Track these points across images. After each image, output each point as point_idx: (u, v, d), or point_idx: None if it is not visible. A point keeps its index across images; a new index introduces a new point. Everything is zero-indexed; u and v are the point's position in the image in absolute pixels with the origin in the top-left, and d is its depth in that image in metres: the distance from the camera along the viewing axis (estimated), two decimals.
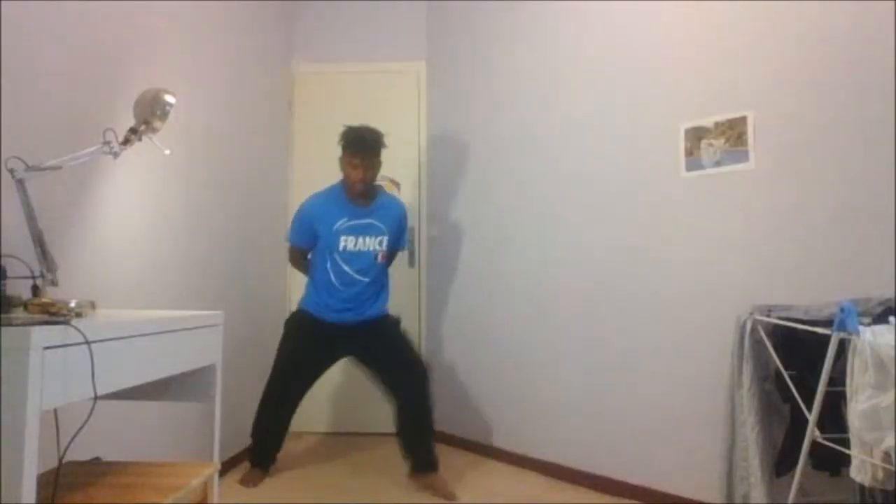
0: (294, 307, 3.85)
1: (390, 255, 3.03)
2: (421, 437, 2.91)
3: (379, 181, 3.83)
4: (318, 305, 2.93)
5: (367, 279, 2.92)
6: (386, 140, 2.91)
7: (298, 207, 3.00)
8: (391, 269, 3.11)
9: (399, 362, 2.91)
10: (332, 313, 2.90)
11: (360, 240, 2.90)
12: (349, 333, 2.91)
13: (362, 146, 2.82)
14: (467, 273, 3.60)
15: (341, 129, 2.89)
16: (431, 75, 3.92)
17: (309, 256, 3.04)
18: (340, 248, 2.88)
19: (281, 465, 3.13)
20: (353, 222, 2.89)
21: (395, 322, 3.05)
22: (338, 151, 3.68)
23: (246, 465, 2.99)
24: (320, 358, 2.97)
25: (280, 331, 3.89)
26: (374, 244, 2.92)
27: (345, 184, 2.92)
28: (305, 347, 2.92)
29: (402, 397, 2.89)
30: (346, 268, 2.89)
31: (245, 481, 2.87)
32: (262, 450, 2.98)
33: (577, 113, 3.03)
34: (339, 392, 3.80)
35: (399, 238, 3.08)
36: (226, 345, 1.82)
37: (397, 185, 3.89)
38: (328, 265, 2.89)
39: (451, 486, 2.82)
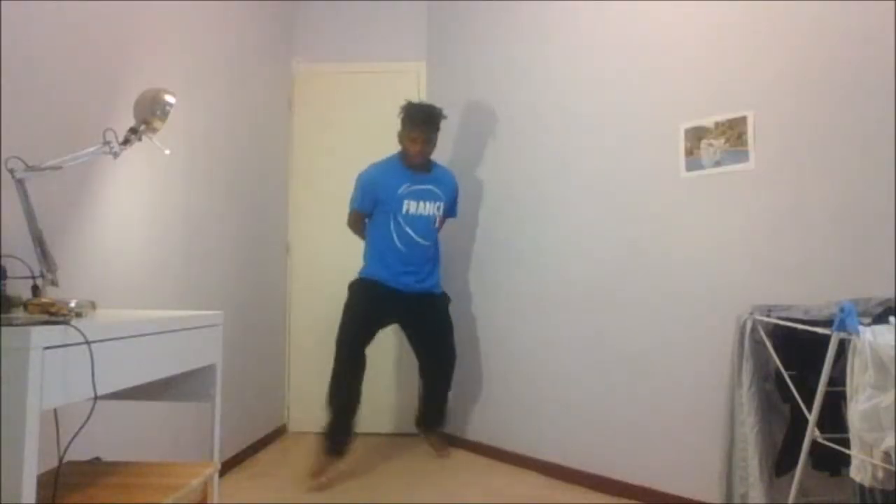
0: (295, 307, 3.88)
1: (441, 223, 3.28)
2: (438, 405, 3.36)
3: None
4: (380, 270, 3.09)
5: (427, 242, 3.14)
6: (444, 113, 3.15)
7: (359, 176, 3.14)
8: None
9: (441, 351, 3.25)
10: (394, 276, 3.07)
11: (422, 204, 3.11)
12: (406, 301, 3.10)
13: (422, 120, 3.05)
14: (467, 273, 3.59)
15: (402, 104, 3.10)
16: (431, 75, 3.92)
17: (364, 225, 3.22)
18: (404, 210, 3.07)
19: (281, 465, 3.13)
20: (414, 187, 3.10)
21: (447, 302, 3.30)
22: (338, 150, 3.71)
23: (306, 456, 3.07)
24: (378, 317, 3.11)
25: (281, 329, 3.90)
26: (433, 209, 3.15)
27: (403, 155, 3.13)
28: (368, 307, 3.06)
29: (431, 374, 3.31)
30: (408, 230, 3.08)
31: (316, 472, 2.86)
32: (341, 424, 2.95)
33: (577, 113, 3.03)
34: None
35: (452, 207, 3.32)
36: (226, 345, 1.82)
37: None
38: (392, 227, 3.07)
39: (447, 447, 3.34)
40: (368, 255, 3.16)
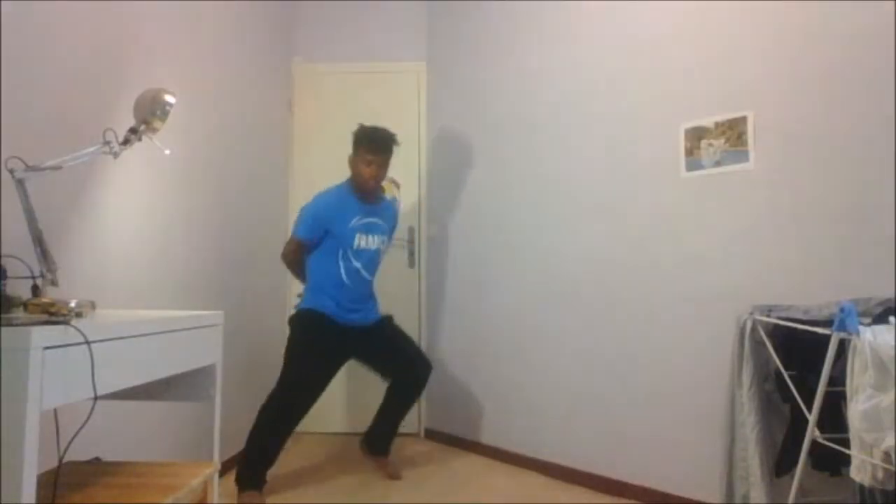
0: (291, 304, 3.87)
1: None
2: (393, 426, 3.08)
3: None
4: (327, 305, 2.89)
5: (371, 278, 3.01)
6: (398, 139, 2.98)
7: (309, 203, 2.97)
8: (387, 262, 3.22)
9: (407, 361, 3.02)
10: (342, 313, 2.89)
11: (370, 238, 2.96)
12: (357, 336, 2.93)
13: (377, 143, 2.89)
14: (467, 273, 3.60)
15: (354, 129, 2.95)
16: (431, 75, 3.92)
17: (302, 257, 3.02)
18: (355, 245, 2.91)
19: (281, 465, 3.13)
20: (365, 220, 2.95)
21: (391, 320, 3.13)
22: (338, 150, 3.68)
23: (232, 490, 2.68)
24: (335, 360, 2.93)
25: (281, 330, 3.89)
26: (379, 242, 3.01)
27: (354, 182, 2.96)
28: (321, 350, 2.84)
29: (399, 388, 3.03)
30: (357, 265, 2.92)
31: None
32: (261, 465, 2.73)
33: (578, 113, 3.03)
34: (339, 392, 3.80)
35: (391, 236, 3.17)
36: (226, 345, 1.82)
37: (398, 184, 3.88)
38: (340, 262, 2.89)
39: (398, 467, 3.04)
40: (311, 288, 2.95)
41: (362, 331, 2.95)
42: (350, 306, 2.92)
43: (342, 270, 2.90)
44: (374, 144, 2.88)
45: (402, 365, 3.02)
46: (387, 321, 3.10)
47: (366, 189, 2.93)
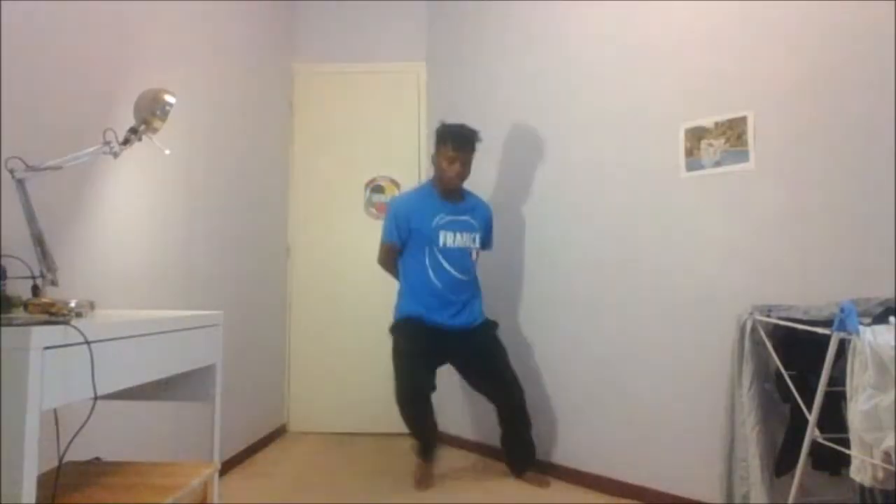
0: (295, 307, 3.88)
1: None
2: (521, 448, 2.97)
3: (379, 181, 3.84)
4: (418, 307, 2.88)
5: (465, 277, 2.94)
6: (480, 136, 2.98)
7: (390, 205, 3.02)
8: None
9: (500, 383, 2.92)
10: (433, 314, 2.87)
11: (458, 236, 2.93)
12: (450, 339, 2.89)
13: (461, 140, 2.90)
14: None
15: (437, 126, 2.98)
16: (431, 75, 3.92)
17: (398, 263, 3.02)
18: (440, 243, 2.89)
19: (281, 465, 3.13)
20: (450, 218, 2.93)
21: (494, 328, 3.03)
22: (338, 150, 3.65)
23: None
24: (432, 351, 2.90)
25: (280, 328, 3.90)
26: (469, 241, 2.97)
27: (437, 181, 2.99)
28: (421, 343, 2.86)
29: (505, 417, 2.95)
30: (445, 264, 2.89)
31: (419, 482, 2.85)
32: (426, 444, 2.96)
33: (578, 113, 3.03)
34: (338, 392, 3.80)
35: (487, 237, 3.13)
36: (226, 345, 1.82)
37: (397, 185, 3.89)
38: (427, 262, 2.88)
39: (542, 477, 2.92)
40: (403, 293, 2.97)
41: (457, 332, 2.90)
42: (440, 306, 2.88)
43: (430, 271, 2.88)
44: (456, 141, 2.89)
45: (495, 390, 2.94)
46: (487, 326, 3.01)
47: (448, 187, 2.94)
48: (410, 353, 2.86)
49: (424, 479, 2.87)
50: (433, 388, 2.90)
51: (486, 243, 3.12)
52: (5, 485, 1.02)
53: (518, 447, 2.97)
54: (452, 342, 2.90)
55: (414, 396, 2.84)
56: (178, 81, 2.40)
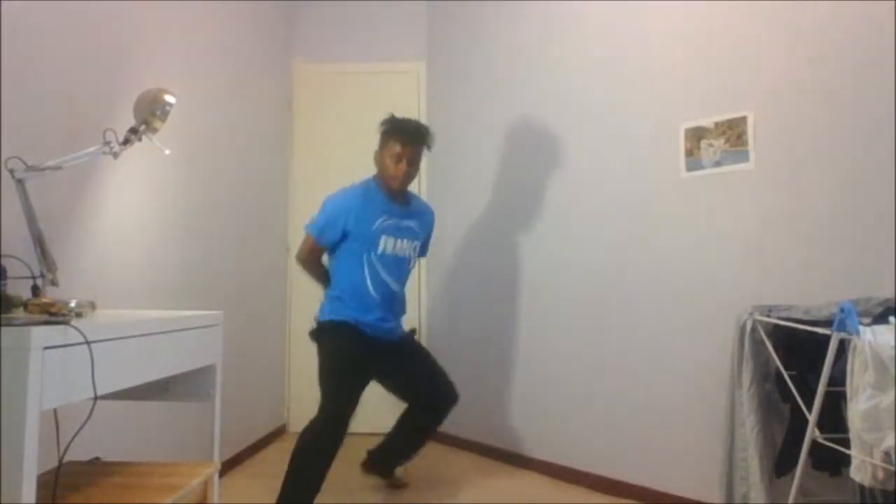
0: (295, 307, 3.88)
1: None
2: (403, 457, 2.82)
3: None
4: (350, 315, 2.53)
5: (399, 288, 2.65)
6: (431, 131, 2.67)
7: (328, 199, 2.61)
8: None
9: (434, 391, 2.69)
10: (366, 325, 2.54)
11: (399, 242, 2.60)
12: (381, 351, 2.57)
13: (408, 133, 2.56)
14: (467, 273, 3.59)
15: (383, 118, 2.63)
16: (431, 75, 3.92)
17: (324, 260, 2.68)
18: (380, 249, 2.54)
19: (281, 465, 3.13)
20: (392, 222, 2.58)
21: (414, 334, 2.83)
22: (338, 150, 3.63)
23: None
24: (367, 372, 2.53)
25: (280, 328, 3.89)
26: (409, 249, 2.65)
27: (380, 179, 2.62)
28: (355, 364, 2.47)
29: (418, 417, 2.73)
30: (383, 274, 2.56)
31: None
32: (306, 498, 2.35)
33: (578, 113, 3.03)
34: None
35: (425, 246, 2.84)
36: (226, 345, 1.82)
37: None
38: (364, 269, 2.53)
39: (401, 478, 2.85)
40: (333, 297, 2.58)
41: (387, 346, 2.59)
42: (373, 318, 2.55)
43: (367, 279, 2.53)
44: (402, 133, 2.55)
45: (429, 394, 2.68)
46: (410, 337, 2.78)
47: (394, 187, 2.58)
48: (344, 369, 2.44)
49: None
50: (353, 411, 2.43)
51: (423, 251, 2.84)
52: (5, 485, 1.02)
53: (399, 456, 2.81)
54: (382, 355, 2.57)
55: (340, 423, 2.33)
56: (178, 81, 2.40)
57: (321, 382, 2.45)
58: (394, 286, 2.61)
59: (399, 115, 2.64)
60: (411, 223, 2.66)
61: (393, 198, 2.62)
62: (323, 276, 2.67)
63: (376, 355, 2.54)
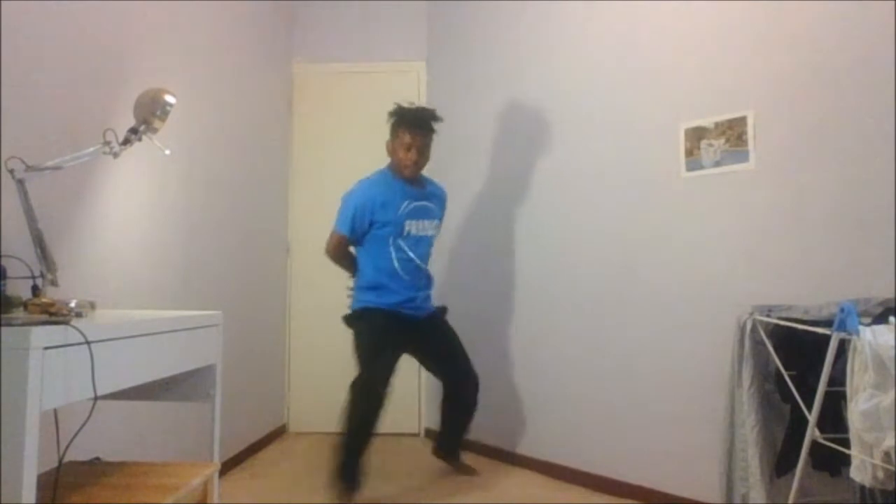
0: (295, 307, 3.88)
1: None
2: (457, 434, 3.05)
3: None
4: (381, 301, 2.74)
5: (426, 266, 2.86)
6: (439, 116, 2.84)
7: (350, 194, 2.76)
8: None
9: (459, 368, 2.91)
10: (397, 305, 2.74)
11: (422, 224, 2.80)
12: (412, 328, 2.78)
13: (417, 122, 2.71)
14: (467, 273, 3.59)
15: (392, 109, 2.78)
16: (431, 75, 3.92)
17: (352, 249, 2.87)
18: (405, 232, 2.73)
19: (281, 465, 3.13)
20: (415, 205, 2.78)
21: (445, 313, 2.99)
22: (338, 150, 3.64)
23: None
24: (399, 350, 2.77)
25: (280, 328, 3.89)
26: (431, 228, 2.86)
27: (395, 168, 2.79)
28: (390, 341, 2.72)
29: (454, 399, 2.96)
30: (410, 254, 2.75)
31: None
32: (360, 457, 2.66)
33: (577, 113, 3.02)
34: (338, 392, 3.79)
35: (441, 223, 3.03)
36: (226, 345, 1.82)
37: None
38: (391, 252, 2.72)
39: (468, 466, 3.03)
40: (363, 284, 2.79)
41: (417, 323, 2.80)
42: (404, 296, 2.75)
43: (394, 261, 2.72)
44: (414, 123, 2.70)
45: (449, 373, 2.93)
46: (440, 314, 2.96)
47: (408, 174, 2.76)
48: (378, 344, 2.70)
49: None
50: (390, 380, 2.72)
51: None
52: (5, 485, 1.02)
53: (455, 435, 3.03)
54: (413, 330, 2.79)
55: (378, 390, 2.61)
56: (178, 81, 2.40)
57: (358, 358, 2.72)
58: (420, 263, 2.81)
59: (406, 104, 2.78)
60: (429, 204, 2.87)
61: (410, 182, 2.80)
62: (352, 265, 2.87)
63: (405, 332, 2.76)
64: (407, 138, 2.70)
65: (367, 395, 2.61)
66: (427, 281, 2.92)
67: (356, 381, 2.66)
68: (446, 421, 3.04)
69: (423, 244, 2.82)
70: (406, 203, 2.75)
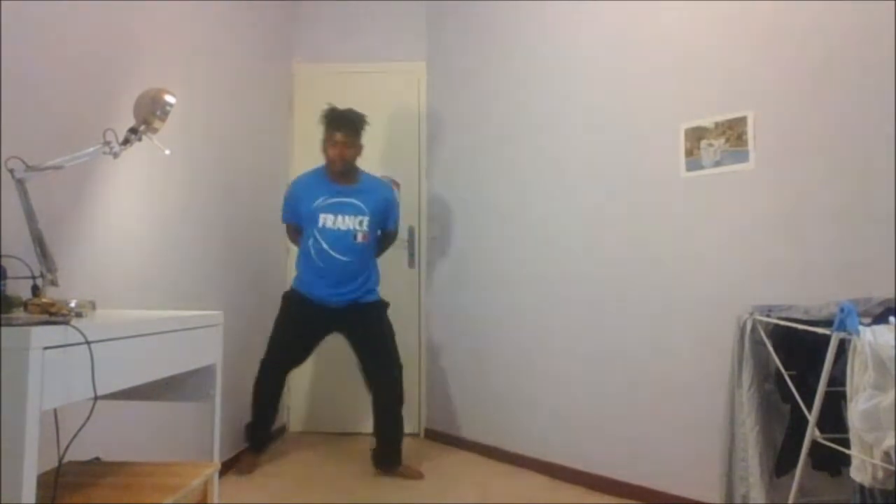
0: None
1: (379, 238, 3.15)
2: (389, 436, 3.04)
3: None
4: (303, 283, 3.04)
5: (345, 258, 2.98)
6: (366, 119, 3.07)
7: (287, 186, 3.18)
8: (387, 262, 3.29)
9: (376, 360, 3.04)
10: (315, 291, 3.00)
11: (339, 218, 2.98)
12: (334, 315, 3.01)
13: (341, 122, 2.98)
14: (467, 273, 3.59)
15: (322, 112, 3.05)
16: (431, 75, 3.92)
17: None
18: (319, 224, 2.97)
19: (281, 465, 3.13)
20: (332, 200, 2.99)
21: (381, 310, 3.11)
22: None
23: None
24: (307, 336, 3.08)
25: None
26: (353, 223, 3.00)
27: (327, 165, 3.05)
28: (293, 325, 3.04)
29: (377, 395, 3.05)
30: (324, 245, 2.97)
31: (241, 469, 3.00)
32: (260, 424, 3.09)
33: (577, 113, 3.03)
34: (337, 392, 3.80)
35: (385, 220, 3.14)
36: (226, 345, 1.82)
37: (398, 185, 3.89)
38: (310, 242, 2.99)
39: (414, 467, 3.06)
40: (297, 264, 3.13)
41: (340, 309, 3.00)
42: (323, 283, 2.99)
43: (311, 249, 2.98)
44: (337, 122, 2.98)
45: (370, 358, 3.06)
46: (373, 309, 3.07)
47: (333, 170, 3.00)
48: (284, 324, 3.06)
49: (247, 468, 3.02)
50: (295, 363, 3.16)
51: (384, 225, 3.14)
52: (5, 485, 1.02)
53: (389, 439, 3.03)
54: (336, 318, 3.02)
55: (273, 365, 3.05)
56: (177, 81, 2.40)
57: (267, 348, 3.08)
58: (339, 257, 2.98)
59: (338, 106, 3.07)
60: (353, 200, 3.01)
61: (337, 179, 3.03)
62: None
63: (328, 319, 3.02)
64: (333, 135, 2.98)
65: (262, 372, 3.04)
66: (349, 272, 3.01)
67: (262, 359, 3.06)
68: (377, 423, 3.07)
69: (341, 237, 2.98)
70: (323, 198, 2.98)
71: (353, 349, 3.10)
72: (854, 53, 2.13)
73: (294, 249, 3.87)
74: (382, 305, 3.12)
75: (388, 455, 3.02)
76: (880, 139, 2.06)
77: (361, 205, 3.02)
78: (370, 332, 3.04)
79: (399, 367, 3.06)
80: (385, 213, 3.13)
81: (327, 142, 3.00)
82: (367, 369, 3.06)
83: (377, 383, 3.04)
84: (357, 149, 3.04)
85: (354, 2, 4.00)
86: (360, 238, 3.01)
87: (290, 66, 3.96)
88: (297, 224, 3.09)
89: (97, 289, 1.94)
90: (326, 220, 2.98)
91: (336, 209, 2.99)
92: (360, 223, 3.01)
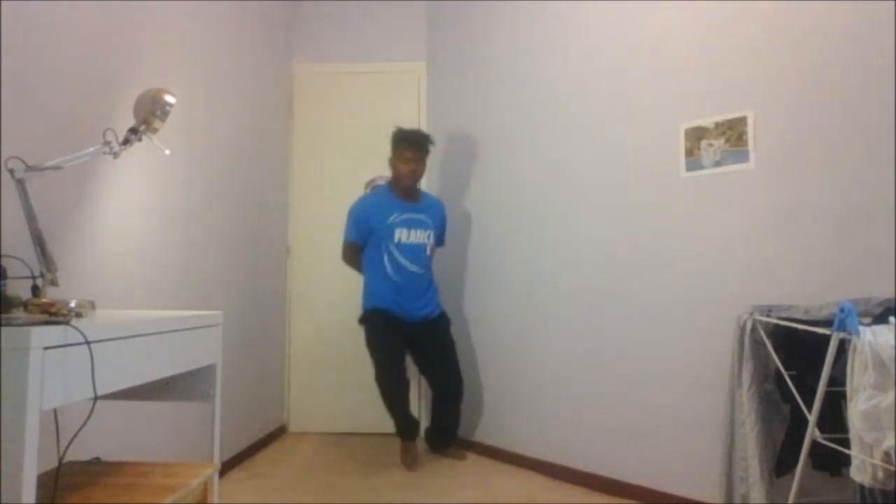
0: (295, 307, 3.88)
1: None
2: (453, 426, 3.34)
3: (379, 182, 3.86)
4: (381, 299, 3.17)
5: (420, 270, 3.21)
6: (433, 139, 3.31)
7: (351, 209, 3.24)
8: None
9: (444, 374, 3.28)
10: (395, 307, 3.16)
11: (413, 232, 3.20)
12: (408, 328, 3.19)
13: (414, 141, 3.20)
14: (468, 273, 3.60)
15: (393, 131, 3.23)
16: (431, 75, 3.92)
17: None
18: (395, 239, 3.15)
19: (281, 465, 3.13)
20: (405, 216, 3.20)
21: (448, 321, 3.34)
22: (338, 150, 3.68)
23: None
24: (401, 341, 3.20)
25: (280, 329, 3.90)
26: (423, 237, 3.24)
27: (393, 184, 3.27)
28: (389, 328, 3.16)
29: (445, 394, 3.30)
30: (401, 259, 3.15)
31: (404, 462, 3.13)
32: (403, 415, 3.21)
33: (577, 113, 3.03)
34: (338, 392, 3.80)
35: (441, 235, 3.40)
36: (226, 345, 1.82)
37: None
38: (384, 258, 3.15)
39: (461, 451, 3.34)
40: (368, 286, 3.23)
41: (415, 323, 3.19)
42: (399, 298, 3.16)
43: (387, 264, 3.15)
44: (410, 141, 3.18)
45: (439, 379, 3.30)
46: (441, 320, 3.30)
47: (404, 185, 3.21)
48: (382, 341, 3.16)
49: (412, 460, 3.14)
50: (403, 357, 3.25)
51: (439, 240, 3.38)
52: (5, 485, 1.02)
53: (443, 429, 3.33)
54: (410, 331, 3.20)
55: (394, 380, 3.14)
56: (178, 81, 2.40)
57: (370, 352, 3.18)
58: (412, 268, 3.18)
59: (406, 126, 3.27)
60: (421, 216, 3.25)
61: (404, 196, 3.24)
62: (362, 267, 3.30)
63: (403, 331, 3.18)
64: (407, 153, 3.17)
65: (385, 388, 3.14)
66: (422, 284, 3.25)
67: (376, 376, 3.14)
68: (434, 415, 3.39)
69: (415, 250, 3.19)
70: (396, 214, 3.18)
71: (420, 356, 3.31)
72: (854, 53, 2.13)
73: (293, 250, 3.89)
74: (447, 317, 3.35)
75: (446, 441, 3.33)
76: (880, 139, 2.06)
77: (428, 220, 3.27)
78: (441, 344, 3.27)
79: (462, 381, 3.32)
80: (442, 228, 3.40)
81: (398, 159, 3.18)
82: (438, 376, 3.30)
83: (447, 385, 3.28)
84: (424, 166, 3.27)
85: (354, 2, 4.00)
86: (428, 251, 3.27)
87: (290, 66, 3.96)
88: (362, 243, 3.21)
89: (97, 289, 1.94)
90: (402, 234, 3.16)
91: (409, 224, 3.19)
92: (429, 237, 3.26)
